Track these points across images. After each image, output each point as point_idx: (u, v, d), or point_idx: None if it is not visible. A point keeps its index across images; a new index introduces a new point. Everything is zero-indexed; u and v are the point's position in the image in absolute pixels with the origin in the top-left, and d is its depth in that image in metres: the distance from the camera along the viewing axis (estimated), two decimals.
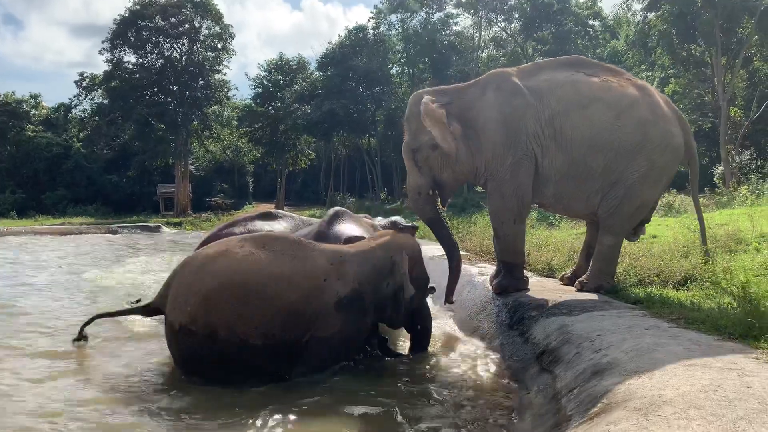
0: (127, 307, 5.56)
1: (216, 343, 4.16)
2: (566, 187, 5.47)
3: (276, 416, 3.66)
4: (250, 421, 3.62)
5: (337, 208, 5.87)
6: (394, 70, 42.30)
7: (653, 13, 24.33)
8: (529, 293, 5.73)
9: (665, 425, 2.53)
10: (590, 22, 37.63)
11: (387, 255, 4.72)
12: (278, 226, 6.12)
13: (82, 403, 4.02)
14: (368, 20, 40.56)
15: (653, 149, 5.21)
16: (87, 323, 5.07)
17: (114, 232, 24.78)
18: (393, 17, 39.99)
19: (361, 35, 39.49)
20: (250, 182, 49.28)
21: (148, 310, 4.74)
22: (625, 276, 5.90)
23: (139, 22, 36.55)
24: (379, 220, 6.40)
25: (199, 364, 4.30)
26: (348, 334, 4.48)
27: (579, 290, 5.64)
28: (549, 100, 5.38)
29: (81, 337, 5.11)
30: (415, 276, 4.85)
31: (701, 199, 17.17)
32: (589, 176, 5.32)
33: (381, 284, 4.65)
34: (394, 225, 5.83)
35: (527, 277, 6.05)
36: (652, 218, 6.15)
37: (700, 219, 6.08)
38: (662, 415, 2.63)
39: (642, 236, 6.10)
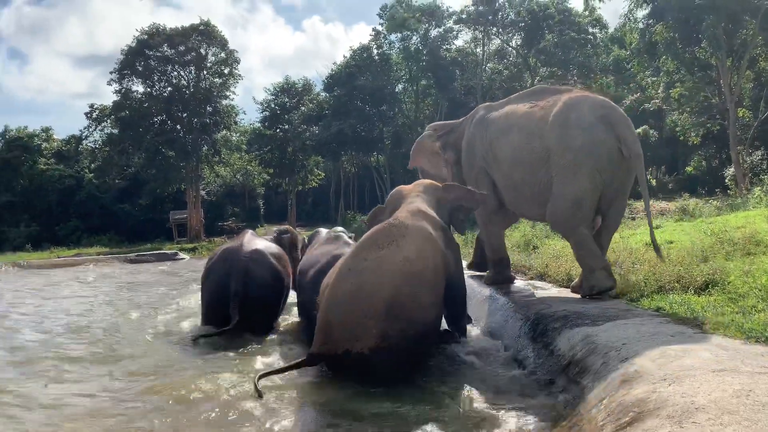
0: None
1: (409, 343, 4.52)
2: (509, 196, 6.67)
3: None
4: None
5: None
6: (398, 88, 42.59)
7: (654, 21, 24.38)
8: (550, 305, 5.75)
9: None
10: (591, 30, 37.72)
11: (434, 197, 5.64)
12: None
13: None
14: (369, 41, 40.96)
15: (553, 154, 5.98)
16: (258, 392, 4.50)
17: (132, 261, 24.89)
18: (393, 37, 40.38)
19: (365, 55, 39.82)
20: (261, 204, 49.51)
21: (313, 359, 4.71)
22: (645, 283, 5.90)
23: (147, 51, 37.01)
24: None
25: (395, 371, 4.53)
26: (457, 263, 5.42)
27: (582, 296, 6.09)
28: (491, 128, 6.67)
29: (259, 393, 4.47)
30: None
31: (714, 202, 17.22)
32: (516, 187, 6.43)
33: (442, 219, 5.55)
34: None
35: (513, 275, 7.56)
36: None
37: (649, 220, 6.24)
38: (696, 422, 2.65)
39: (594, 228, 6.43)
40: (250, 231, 7.83)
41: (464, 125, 7.23)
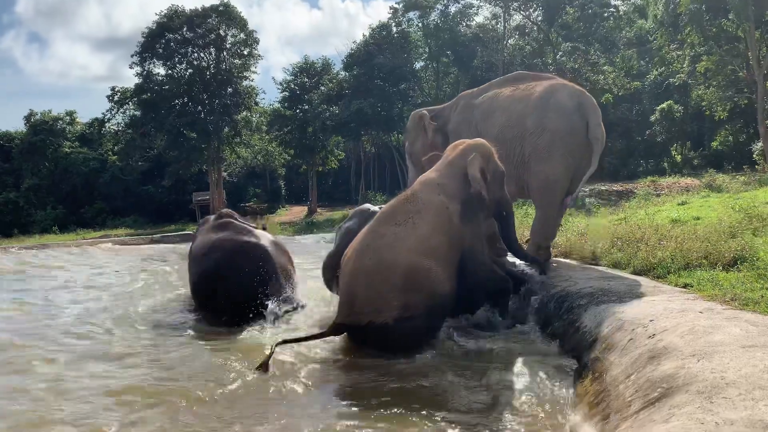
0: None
1: (429, 313, 4.79)
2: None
3: None
4: None
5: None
6: (418, 65, 42.30)
7: None
8: (576, 282, 5.74)
9: (731, 407, 2.54)
10: (614, 2, 37.07)
11: (463, 161, 5.45)
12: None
13: None
14: (387, 19, 40.67)
15: (531, 134, 6.53)
16: (270, 356, 4.63)
17: (157, 242, 25.10)
18: (411, 14, 40.03)
19: (384, 33, 39.55)
20: (282, 185, 49.72)
21: (338, 329, 4.98)
22: (671, 260, 5.85)
23: (167, 33, 37.18)
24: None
25: (416, 340, 4.83)
26: (478, 237, 5.41)
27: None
28: (476, 112, 7.18)
29: (266, 366, 4.57)
30: (491, 169, 5.59)
31: (741, 177, 16.96)
32: None
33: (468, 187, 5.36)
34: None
35: None
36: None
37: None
38: (727, 397, 2.65)
39: (568, 206, 7.43)
40: (230, 217, 7.51)
41: (447, 111, 7.74)
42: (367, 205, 7.54)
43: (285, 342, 4.85)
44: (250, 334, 5.94)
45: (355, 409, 3.92)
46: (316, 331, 5.38)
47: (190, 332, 6.33)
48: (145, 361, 5.27)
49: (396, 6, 39.86)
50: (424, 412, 3.73)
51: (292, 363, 4.80)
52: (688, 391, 2.88)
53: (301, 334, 5.43)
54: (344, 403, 4.07)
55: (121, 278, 11.56)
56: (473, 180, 5.32)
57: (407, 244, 4.84)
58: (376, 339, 4.79)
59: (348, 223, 7.11)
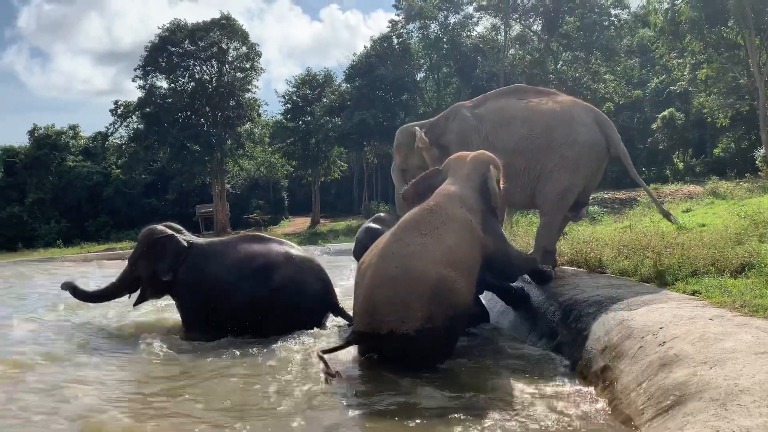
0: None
1: (451, 324, 4.80)
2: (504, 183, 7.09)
3: None
4: None
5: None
6: (419, 76, 42.50)
7: (681, 1, 23.96)
8: (583, 290, 5.73)
9: (746, 414, 2.54)
10: (614, 12, 37.15)
11: (479, 174, 5.55)
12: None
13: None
14: (388, 31, 40.89)
15: (560, 146, 6.65)
16: (326, 364, 4.66)
17: None
18: (411, 26, 40.29)
19: (385, 44, 39.78)
20: (285, 197, 49.82)
21: (357, 338, 5.00)
22: (679, 267, 5.84)
23: (169, 47, 37.42)
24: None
25: (437, 351, 4.84)
26: (501, 238, 5.54)
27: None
28: (485, 122, 7.08)
29: (331, 374, 4.59)
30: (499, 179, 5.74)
31: (745, 184, 16.97)
32: (515, 175, 6.68)
33: (485, 199, 5.48)
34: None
35: None
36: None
37: (653, 198, 8.41)
38: (741, 404, 2.64)
39: (583, 217, 8.00)
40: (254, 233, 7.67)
41: (442, 122, 7.45)
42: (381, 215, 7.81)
43: (326, 352, 4.89)
44: (279, 345, 5.92)
45: (372, 422, 3.91)
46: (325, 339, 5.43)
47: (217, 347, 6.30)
48: (181, 371, 5.31)
49: (396, 18, 40.17)
50: (440, 424, 3.73)
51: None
52: (701, 399, 2.88)
53: (325, 344, 5.52)
54: (361, 413, 4.05)
55: None
56: (495, 193, 5.49)
57: (435, 255, 4.83)
58: (395, 348, 4.74)
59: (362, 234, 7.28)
